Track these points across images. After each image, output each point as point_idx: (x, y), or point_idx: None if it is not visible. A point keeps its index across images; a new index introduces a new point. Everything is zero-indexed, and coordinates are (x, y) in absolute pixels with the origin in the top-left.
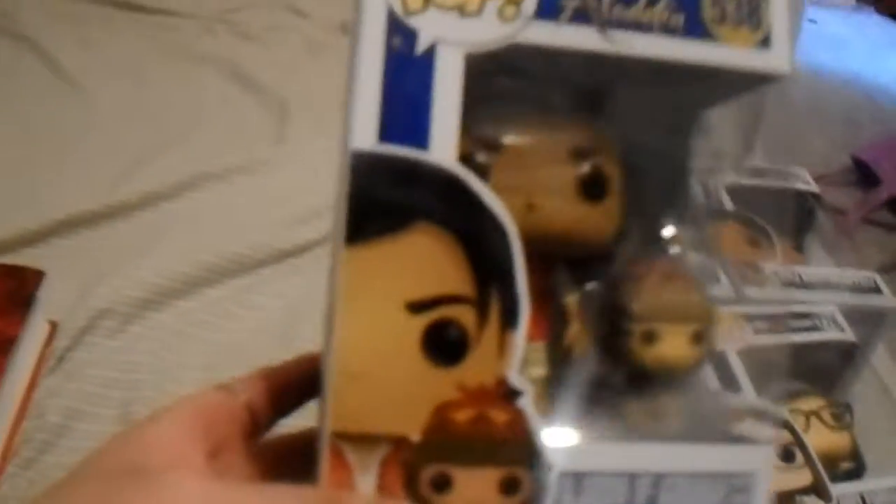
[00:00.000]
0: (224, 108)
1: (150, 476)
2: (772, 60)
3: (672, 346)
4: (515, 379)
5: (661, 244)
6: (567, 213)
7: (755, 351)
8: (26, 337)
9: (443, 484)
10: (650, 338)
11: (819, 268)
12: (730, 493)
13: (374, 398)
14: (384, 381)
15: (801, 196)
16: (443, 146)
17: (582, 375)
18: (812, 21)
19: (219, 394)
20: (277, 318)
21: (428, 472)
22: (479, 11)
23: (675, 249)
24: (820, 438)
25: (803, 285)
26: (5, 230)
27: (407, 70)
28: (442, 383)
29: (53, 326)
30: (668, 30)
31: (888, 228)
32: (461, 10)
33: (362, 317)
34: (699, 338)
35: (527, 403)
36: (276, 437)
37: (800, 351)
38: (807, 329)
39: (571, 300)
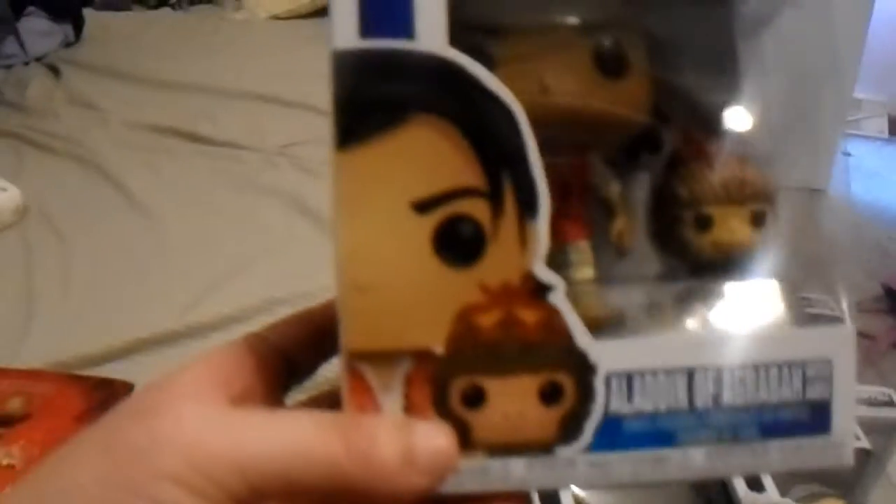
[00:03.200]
0: (288, 237)
1: (155, 413)
2: None
3: (729, 229)
4: (543, 272)
5: (709, 123)
6: (583, 91)
7: None
8: None
9: (476, 398)
10: (704, 223)
11: None
12: (807, 383)
13: (388, 311)
14: (397, 290)
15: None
16: (430, 33)
17: (636, 273)
18: (847, 154)
19: (247, 342)
20: None
21: (458, 387)
22: None
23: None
24: None
25: None
26: (92, 346)
27: None
28: (461, 286)
29: None
30: None
31: None
32: None
33: (366, 224)
34: (759, 219)
35: (559, 299)
36: (309, 396)
37: None
38: None
39: (614, 191)
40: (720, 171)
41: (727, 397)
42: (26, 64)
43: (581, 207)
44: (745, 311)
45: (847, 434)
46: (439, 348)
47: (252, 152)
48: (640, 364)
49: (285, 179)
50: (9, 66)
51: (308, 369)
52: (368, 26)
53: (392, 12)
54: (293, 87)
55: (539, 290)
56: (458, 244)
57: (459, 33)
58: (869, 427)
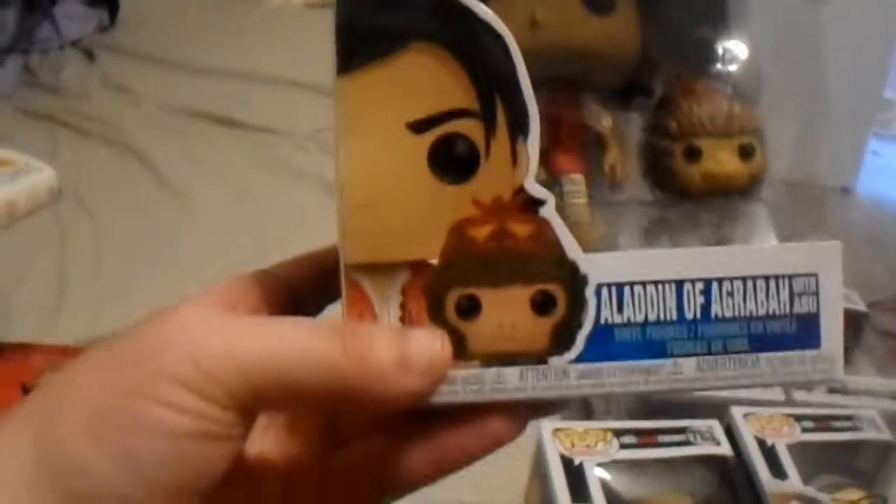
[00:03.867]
0: (319, 220)
1: (160, 321)
2: None
3: (718, 160)
4: (534, 187)
5: (698, 62)
6: (573, 25)
7: (803, 446)
8: None
9: (470, 308)
10: (693, 154)
11: (862, 377)
12: (794, 297)
13: (386, 225)
14: (394, 205)
15: (850, 315)
16: None
17: (630, 206)
18: (875, 153)
19: (256, 276)
20: None
21: (452, 297)
22: None
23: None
24: None
25: (847, 392)
26: (123, 325)
27: None
28: (456, 201)
29: None
30: None
31: None
32: None
33: (364, 144)
34: (748, 151)
35: (550, 212)
36: None
37: (842, 448)
38: (849, 429)
39: (606, 125)
40: (708, 106)
41: (715, 309)
42: (61, 48)
43: (574, 141)
44: (733, 230)
45: (836, 349)
46: (434, 260)
47: (284, 136)
48: (630, 276)
49: (317, 163)
50: (44, 51)
51: (314, 308)
52: None
53: None
54: (325, 74)
55: (530, 204)
56: (453, 161)
57: None
58: (891, 420)
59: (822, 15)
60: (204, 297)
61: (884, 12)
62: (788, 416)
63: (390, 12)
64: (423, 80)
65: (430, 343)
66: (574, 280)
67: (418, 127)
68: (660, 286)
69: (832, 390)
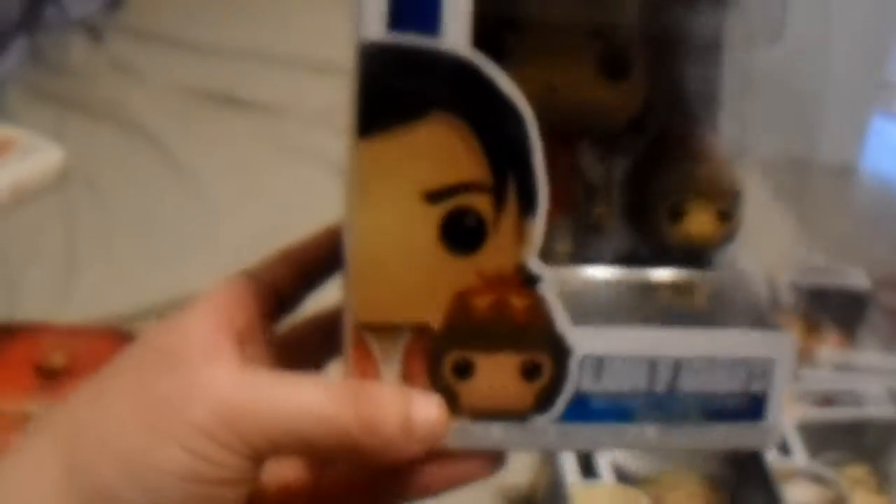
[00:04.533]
0: (327, 199)
1: (185, 366)
2: None
3: (698, 222)
4: (534, 265)
5: (689, 120)
6: (588, 92)
7: (809, 423)
8: None
9: (465, 370)
10: (676, 214)
11: (868, 353)
12: (749, 379)
13: (394, 288)
14: (404, 270)
15: (856, 293)
16: (455, 32)
17: (609, 250)
18: (878, 132)
19: (244, 281)
20: None
21: (450, 359)
22: None
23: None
24: (865, 501)
25: (853, 369)
26: (132, 305)
27: None
28: (461, 271)
29: None
30: None
31: None
32: None
33: (380, 208)
34: (726, 215)
35: (546, 289)
36: (299, 320)
37: (847, 426)
38: (855, 406)
39: (598, 175)
40: (696, 167)
41: (682, 385)
42: (67, 28)
43: (567, 188)
44: (706, 303)
45: (776, 420)
46: (436, 324)
47: (292, 115)
48: (610, 350)
49: (324, 142)
50: (50, 30)
51: (295, 302)
52: (397, 19)
53: (421, 7)
54: (333, 52)
55: (529, 280)
56: (462, 234)
57: (480, 26)
58: None
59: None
60: (206, 315)
61: None
62: (793, 393)
63: (413, 79)
64: (440, 150)
65: (430, 410)
66: (561, 352)
67: (432, 197)
68: (636, 362)
69: (839, 367)
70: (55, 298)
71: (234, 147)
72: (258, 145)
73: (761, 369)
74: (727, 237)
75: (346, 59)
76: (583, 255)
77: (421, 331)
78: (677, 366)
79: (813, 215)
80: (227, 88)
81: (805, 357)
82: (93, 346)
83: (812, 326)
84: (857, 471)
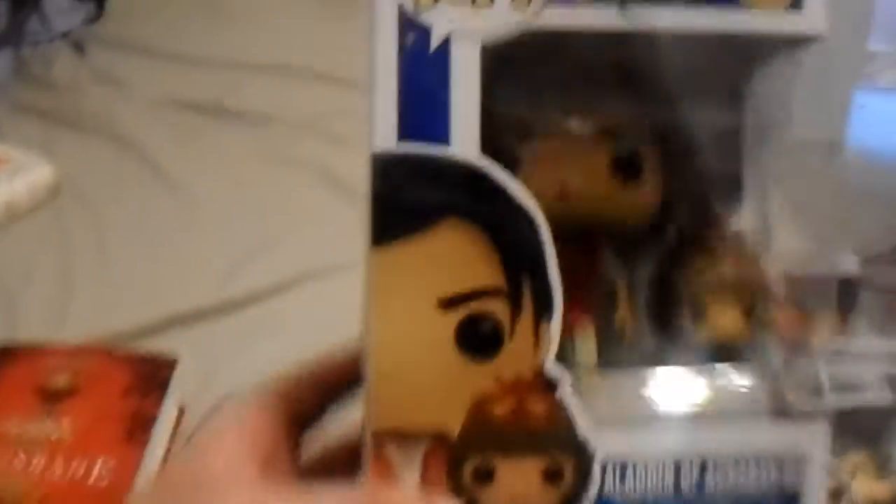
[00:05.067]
0: (318, 209)
1: (208, 485)
2: (805, 21)
3: (723, 323)
4: (552, 368)
5: (710, 216)
6: (601, 195)
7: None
8: (162, 419)
9: (485, 475)
10: (700, 316)
11: (863, 339)
12: (781, 475)
13: (412, 395)
14: (421, 378)
15: (847, 279)
16: (464, 140)
17: (634, 355)
18: (861, 106)
19: (267, 404)
20: None
21: (470, 465)
22: (492, 0)
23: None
24: (865, 486)
25: (848, 355)
26: (131, 322)
27: (423, 66)
28: (479, 377)
29: (181, 412)
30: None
31: None
32: (473, 1)
33: (395, 317)
34: (752, 312)
35: (565, 392)
36: (321, 446)
37: (846, 412)
38: (852, 392)
39: (620, 282)
40: (718, 267)
41: (709, 485)
42: (51, 41)
43: (588, 294)
44: (732, 400)
45: None
46: (455, 431)
47: (280, 125)
48: (634, 453)
49: (314, 151)
50: (35, 44)
51: (317, 417)
52: (407, 130)
53: (430, 118)
54: (319, 59)
55: (548, 384)
56: (479, 340)
57: (490, 134)
58: (893, 382)
59: None
60: (236, 445)
61: None
62: (789, 384)
63: (426, 186)
64: (454, 257)
65: None
66: (583, 456)
67: (447, 304)
68: (660, 463)
69: (834, 353)
70: (53, 318)
71: (225, 158)
72: (246, 155)
73: (794, 465)
74: (755, 332)
75: (331, 68)
76: (608, 361)
77: (440, 437)
78: (703, 464)
79: (800, 194)
80: (215, 99)
81: (799, 346)
82: (96, 367)
83: (805, 315)
84: (856, 457)
